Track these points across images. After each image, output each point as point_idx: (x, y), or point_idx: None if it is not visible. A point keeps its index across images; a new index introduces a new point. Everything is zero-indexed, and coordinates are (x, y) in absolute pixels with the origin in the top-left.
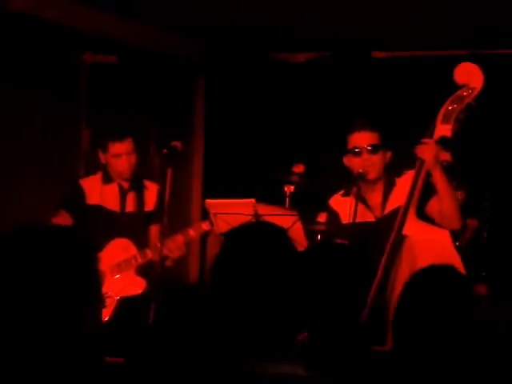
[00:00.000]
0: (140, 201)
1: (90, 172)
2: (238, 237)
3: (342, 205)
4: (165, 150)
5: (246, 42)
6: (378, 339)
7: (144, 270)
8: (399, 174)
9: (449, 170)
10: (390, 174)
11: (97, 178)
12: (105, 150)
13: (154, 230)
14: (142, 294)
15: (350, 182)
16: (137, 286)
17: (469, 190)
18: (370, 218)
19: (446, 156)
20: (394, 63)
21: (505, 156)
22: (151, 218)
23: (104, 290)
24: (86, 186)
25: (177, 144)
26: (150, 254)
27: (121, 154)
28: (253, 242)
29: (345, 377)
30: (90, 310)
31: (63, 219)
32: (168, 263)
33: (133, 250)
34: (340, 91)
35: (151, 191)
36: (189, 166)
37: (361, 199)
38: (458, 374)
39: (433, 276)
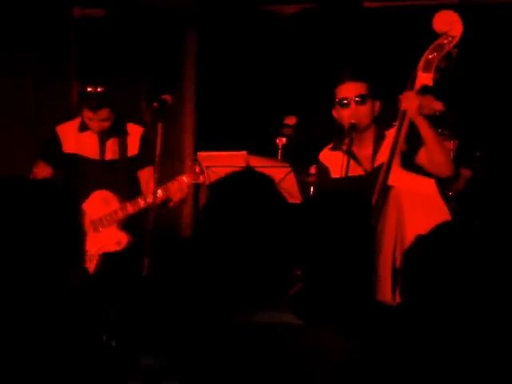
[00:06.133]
0: (123, 146)
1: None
2: (223, 186)
3: (332, 159)
4: (155, 104)
5: None
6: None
7: (128, 224)
8: (388, 126)
9: (441, 120)
10: (380, 126)
11: (74, 123)
12: (81, 107)
13: (146, 173)
14: (124, 250)
15: (339, 135)
16: (118, 242)
17: (461, 139)
18: (360, 172)
19: (438, 105)
20: (386, 13)
21: (496, 104)
22: (137, 162)
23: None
24: (62, 132)
25: (167, 97)
26: (141, 202)
27: (93, 119)
28: (238, 190)
29: (337, 325)
30: (73, 265)
31: (41, 170)
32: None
33: (114, 203)
34: (331, 42)
35: (134, 135)
36: (180, 120)
37: (350, 153)
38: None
39: (449, 231)
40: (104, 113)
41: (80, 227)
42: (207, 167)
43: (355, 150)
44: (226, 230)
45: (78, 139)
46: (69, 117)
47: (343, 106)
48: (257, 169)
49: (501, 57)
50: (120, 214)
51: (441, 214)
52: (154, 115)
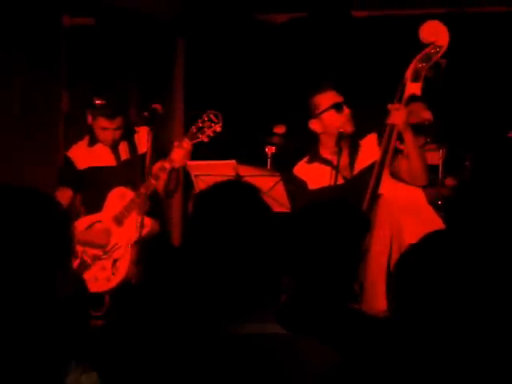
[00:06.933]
0: (132, 146)
1: (69, 133)
2: (208, 196)
3: (309, 172)
4: (145, 113)
5: (226, 2)
6: (353, 297)
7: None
8: (361, 136)
9: (430, 130)
10: (354, 136)
11: (82, 143)
12: (93, 117)
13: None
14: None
15: (314, 147)
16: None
17: (450, 149)
18: (340, 181)
19: (428, 115)
20: (376, 23)
21: (484, 113)
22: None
23: (113, 242)
24: (73, 154)
25: (157, 106)
26: (153, 181)
27: (108, 129)
28: (223, 200)
29: (325, 336)
30: (60, 272)
31: (63, 194)
32: None
33: (130, 195)
34: (321, 51)
35: (141, 134)
36: (169, 128)
37: (326, 162)
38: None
39: (442, 239)
40: (119, 121)
41: (67, 232)
42: (196, 176)
43: (333, 158)
44: (211, 240)
45: (89, 154)
46: (58, 122)
47: (338, 109)
48: (246, 178)
49: (488, 66)
50: (137, 200)
51: (435, 221)
52: (145, 124)
